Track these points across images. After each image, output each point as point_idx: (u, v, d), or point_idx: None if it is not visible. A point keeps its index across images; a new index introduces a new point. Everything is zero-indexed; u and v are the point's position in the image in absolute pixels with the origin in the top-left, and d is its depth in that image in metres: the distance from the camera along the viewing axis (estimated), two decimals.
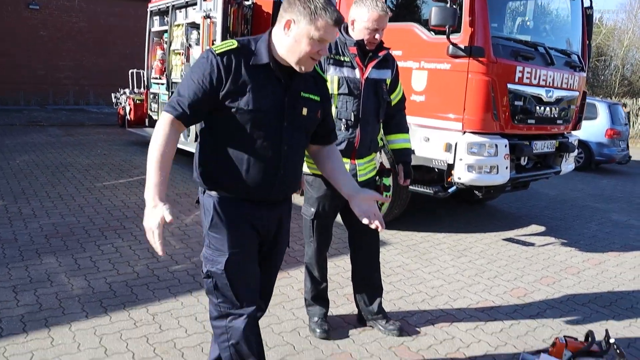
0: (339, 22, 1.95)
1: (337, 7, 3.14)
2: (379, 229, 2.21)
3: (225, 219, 2.09)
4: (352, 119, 2.92)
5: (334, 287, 3.82)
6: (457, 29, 4.66)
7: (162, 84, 9.09)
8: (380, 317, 3.26)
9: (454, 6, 4.49)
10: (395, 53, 3.65)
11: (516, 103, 4.99)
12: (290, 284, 3.87)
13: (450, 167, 4.79)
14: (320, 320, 3.16)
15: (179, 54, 8.42)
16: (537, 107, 5.24)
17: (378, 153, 3.22)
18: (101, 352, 2.82)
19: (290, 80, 2.07)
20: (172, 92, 8.35)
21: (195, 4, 7.68)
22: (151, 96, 9.73)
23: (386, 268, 4.34)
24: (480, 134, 4.75)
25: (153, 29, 9.78)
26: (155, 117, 9.61)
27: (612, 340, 2.68)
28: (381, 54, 3.00)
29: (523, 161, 5.27)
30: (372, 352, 3.02)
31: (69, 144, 9.75)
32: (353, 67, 2.94)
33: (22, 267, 3.85)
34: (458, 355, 3.07)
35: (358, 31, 2.93)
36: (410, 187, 5.06)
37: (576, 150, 6.14)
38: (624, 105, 17.69)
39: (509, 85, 4.90)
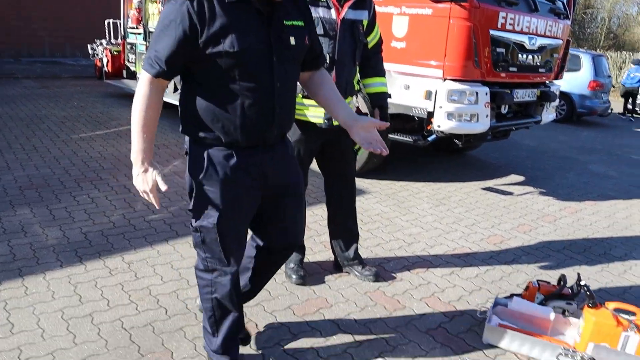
0: None
1: None
2: (383, 154, 2.11)
3: (220, 169, 1.96)
4: (328, 61, 2.83)
5: (311, 234, 3.82)
6: None
7: (139, 33, 8.80)
8: (357, 263, 3.27)
9: None
10: None
11: (498, 50, 4.92)
12: None
13: (430, 115, 4.75)
14: (296, 266, 3.17)
15: (156, 1, 8.11)
16: (520, 55, 5.17)
17: (354, 97, 3.16)
18: (75, 299, 2.80)
19: (272, 10, 1.90)
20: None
21: None
22: (128, 47, 9.46)
23: (364, 216, 4.34)
24: (461, 82, 4.69)
25: None
26: (132, 68, 9.37)
27: (582, 283, 2.72)
28: None
29: (504, 110, 5.24)
30: (348, 297, 3.04)
31: (44, 96, 9.50)
32: (329, 7, 2.83)
33: None
34: (433, 300, 3.11)
35: None
36: (390, 135, 5.03)
37: (557, 100, 6.12)
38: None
39: (491, 32, 4.80)
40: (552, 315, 2.79)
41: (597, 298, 2.73)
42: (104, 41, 10.40)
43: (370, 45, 3.08)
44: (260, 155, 2.02)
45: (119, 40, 9.93)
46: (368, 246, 3.77)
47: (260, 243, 2.33)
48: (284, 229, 2.26)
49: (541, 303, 2.91)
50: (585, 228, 4.65)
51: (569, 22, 5.95)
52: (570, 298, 2.91)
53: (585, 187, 6.11)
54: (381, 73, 3.17)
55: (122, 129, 6.88)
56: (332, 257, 3.38)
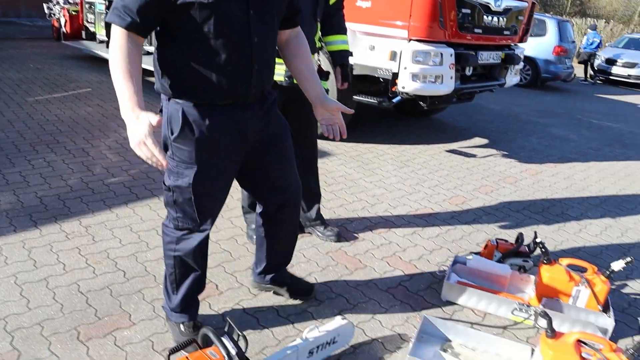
0: None
1: None
2: (338, 138, 2.17)
3: (196, 128, 1.88)
4: None
5: None
6: None
7: None
8: (319, 223, 3.26)
9: None
10: None
11: (463, 11, 4.88)
12: (230, 194, 3.81)
13: (395, 76, 4.71)
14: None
15: None
16: (485, 16, 5.16)
17: (316, 54, 3.10)
18: (30, 264, 2.73)
19: None
20: (110, 1, 7.78)
21: None
22: (87, 6, 9.07)
23: (328, 178, 4.33)
24: (426, 42, 4.66)
25: None
26: (92, 29, 9.02)
27: (538, 240, 2.77)
28: None
29: (468, 72, 5.24)
30: (310, 257, 3.04)
31: None
32: None
33: None
34: (394, 259, 3.14)
35: None
36: (355, 97, 5.00)
37: (522, 63, 6.15)
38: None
39: None
40: (509, 273, 2.85)
41: (552, 255, 2.80)
42: (61, 0, 9.95)
43: (332, 2, 3.01)
44: (239, 114, 1.94)
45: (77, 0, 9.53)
46: (331, 207, 3.77)
47: (260, 208, 2.31)
48: (272, 188, 2.23)
49: (499, 261, 2.97)
50: (544, 189, 4.75)
51: None
52: (526, 256, 2.98)
53: (546, 150, 6.22)
54: (343, 31, 3.11)
55: (81, 92, 6.65)
56: None
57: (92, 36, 9.06)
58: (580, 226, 3.98)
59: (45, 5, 10.43)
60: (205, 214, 2.03)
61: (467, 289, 2.71)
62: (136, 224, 3.28)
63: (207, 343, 1.94)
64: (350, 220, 3.61)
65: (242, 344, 1.85)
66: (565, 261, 2.73)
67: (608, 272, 2.73)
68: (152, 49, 2.08)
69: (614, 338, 2.60)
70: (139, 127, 1.61)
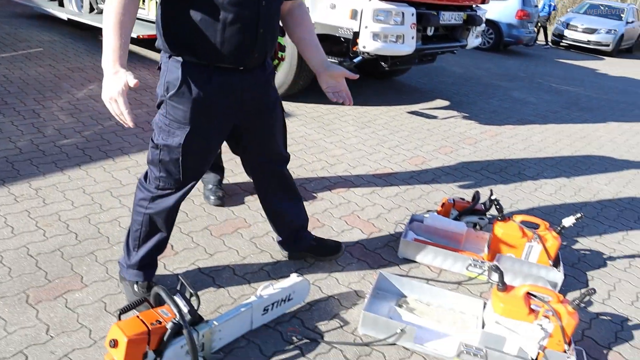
0: None
1: None
2: (347, 104, 2.18)
3: (195, 88, 1.85)
4: None
5: (231, 156, 3.72)
6: None
7: None
8: None
9: None
10: None
11: None
12: None
13: (356, 35, 4.64)
14: (214, 187, 3.09)
15: None
16: None
17: None
18: None
19: None
20: None
21: None
22: None
23: (288, 138, 4.28)
24: (387, 1, 4.58)
25: None
26: None
27: (493, 197, 2.81)
28: None
29: (430, 32, 5.20)
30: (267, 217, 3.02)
31: None
32: None
33: None
34: (352, 218, 3.15)
35: None
36: None
37: (483, 25, 6.14)
38: None
39: None
40: (465, 230, 2.90)
41: (508, 213, 2.85)
42: None
43: None
44: (239, 78, 1.91)
45: None
46: (290, 167, 3.66)
47: (253, 179, 2.35)
48: (261, 156, 2.24)
49: (456, 218, 3.01)
50: (502, 150, 4.82)
51: None
52: (482, 213, 3.02)
53: (506, 112, 6.29)
54: None
55: (32, 52, 6.34)
56: None
57: None
58: (536, 185, 4.07)
59: None
60: (188, 176, 2.01)
61: (424, 246, 2.75)
62: (89, 185, 3.19)
63: (160, 302, 1.91)
64: (309, 180, 3.59)
65: (195, 302, 1.83)
66: (518, 218, 2.79)
67: (559, 228, 2.80)
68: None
69: (564, 291, 2.69)
70: (115, 83, 1.61)
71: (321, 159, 3.99)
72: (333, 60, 4.92)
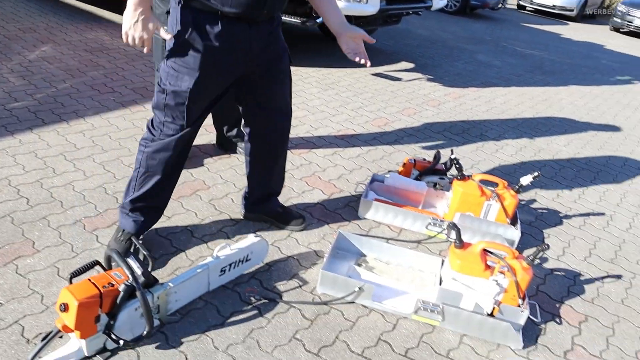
0: None
1: None
2: (367, 65, 2.20)
3: (204, 35, 1.85)
4: None
5: None
6: None
7: None
8: (240, 139, 3.20)
9: None
10: None
11: None
12: (146, 117, 3.63)
13: None
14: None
15: None
16: None
17: None
18: None
19: None
20: None
21: None
22: None
23: None
24: None
25: None
26: None
27: (453, 157, 2.82)
28: None
29: None
30: (227, 179, 2.97)
31: None
32: None
33: None
34: (313, 179, 3.12)
35: None
36: None
37: None
38: None
39: None
40: (425, 189, 2.91)
41: (467, 172, 2.87)
42: None
43: None
44: (247, 29, 1.92)
45: None
46: None
47: (247, 131, 2.32)
48: (261, 108, 2.23)
49: (417, 178, 3.02)
50: (465, 112, 4.83)
51: None
52: (443, 173, 3.03)
53: (470, 75, 6.31)
54: None
55: None
56: (212, 141, 3.27)
57: None
58: (497, 147, 4.11)
59: None
60: (193, 119, 2.04)
61: (384, 206, 2.75)
62: (42, 149, 3.07)
63: (113, 265, 1.86)
64: None
65: (150, 264, 1.79)
66: (477, 177, 2.81)
67: (517, 187, 2.84)
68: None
69: (521, 249, 2.75)
70: (145, 25, 1.78)
71: None
72: (295, 21, 4.82)
